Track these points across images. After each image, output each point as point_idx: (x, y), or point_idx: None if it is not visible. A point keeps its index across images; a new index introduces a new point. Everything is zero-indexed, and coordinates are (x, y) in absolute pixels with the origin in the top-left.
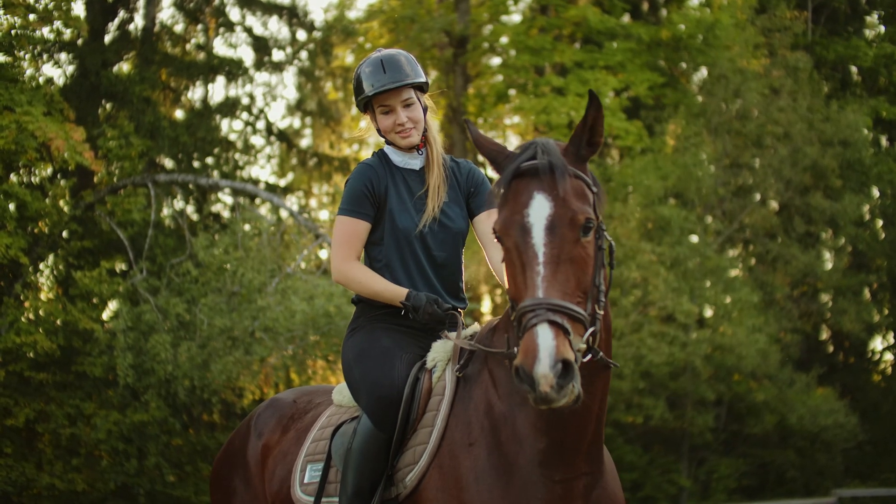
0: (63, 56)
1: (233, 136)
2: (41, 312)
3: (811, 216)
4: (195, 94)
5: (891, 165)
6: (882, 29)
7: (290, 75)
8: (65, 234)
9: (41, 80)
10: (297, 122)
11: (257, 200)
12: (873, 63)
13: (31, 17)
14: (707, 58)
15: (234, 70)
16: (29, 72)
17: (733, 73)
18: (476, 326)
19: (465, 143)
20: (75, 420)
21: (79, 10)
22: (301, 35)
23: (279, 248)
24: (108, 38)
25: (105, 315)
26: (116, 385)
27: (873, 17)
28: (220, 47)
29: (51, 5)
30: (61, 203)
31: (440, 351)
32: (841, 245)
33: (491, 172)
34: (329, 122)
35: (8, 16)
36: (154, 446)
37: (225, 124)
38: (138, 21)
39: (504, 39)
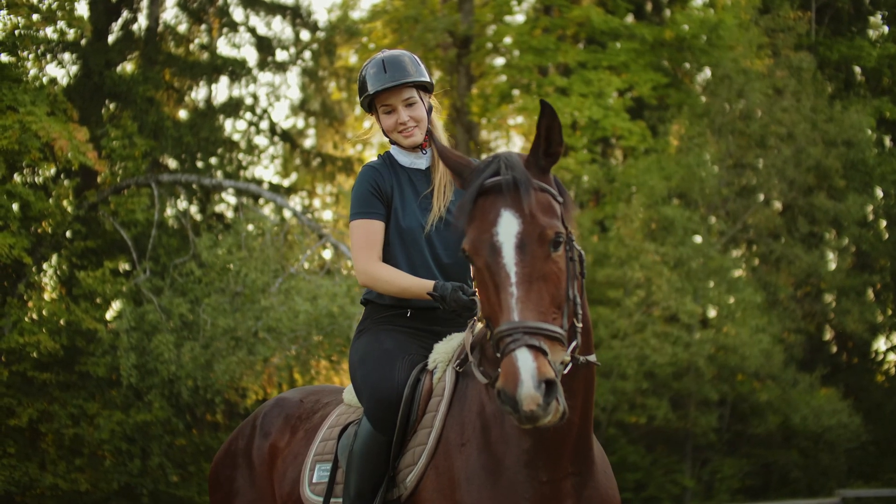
0: (66, 56)
1: (236, 137)
2: (44, 312)
3: (815, 216)
4: (199, 94)
5: (894, 166)
6: (886, 29)
7: (293, 75)
8: (68, 234)
9: (45, 80)
10: (300, 123)
11: (261, 200)
12: (877, 63)
13: (35, 17)
14: (710, 58)
15: (237, 70)
16: (32, 72)
17: (737, 74)
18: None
19: (469, 143)
20: (79, 420)
21: (82, 10)
22: (304, 35)
23: (282, 249)
24: (111, 38)
25: (108, 315)
26: (120, 385)
27: (877, 18)
28: (223, 47)
29: (54, 5)
30: (65, 203)
31: (441, 352)
32: (844, 245)
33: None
34: (332, 123)
35: (11, 16)
36: (157, 446)
37: (228, 124)
38: (142, 21)
39: (508, 40)
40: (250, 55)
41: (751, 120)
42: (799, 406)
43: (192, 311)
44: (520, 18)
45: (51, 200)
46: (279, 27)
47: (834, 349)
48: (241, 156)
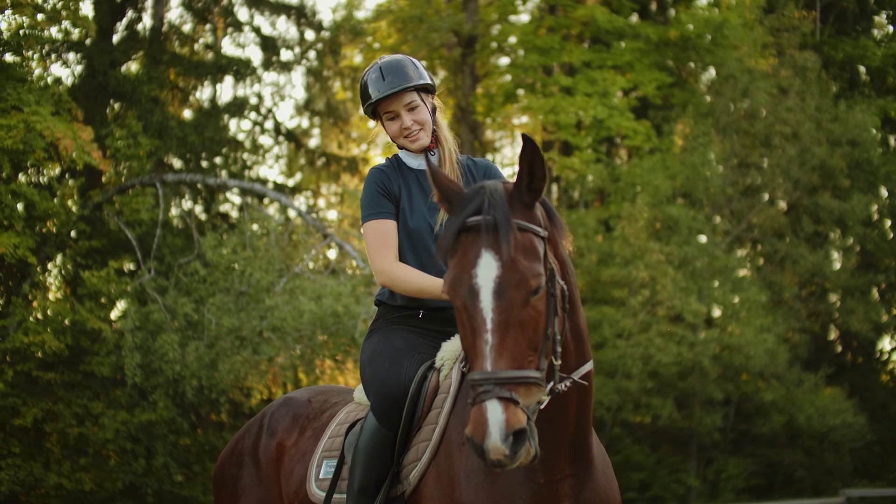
0: (71, 56)
1: (241, 136)
2: (49, 312)
3: (819, 216)
4: (203, 93)
5: None
6: (890, 29)
7: (298, 75)
8: (73, 233)
9: (49, 79)
10: (305, 122)
11: (265, 200)
12: (882, 63)
13: (40, 16)
14: (715, 57)
15: (242, 70)
16: (37, 71)
17: (741, 73)
18: None
19: (474, 142)
20: (83, 420)
21: (87, 9)
22: (309, 35)
23: (287, 248)
24: (116, 38)
25: (113, 315)
26: (124, 385)
27: (882, 17)
28: (228, 47)
29: (59, 5)
30: (69, 203)
31: (449, 350)
32: (849, 245)
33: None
34: (337, 122)
35: (16, 15)
36: (162, 446)
37: (233, 124)
38: (146, 21)
39: (512, 39)
40: (255, 55)
41: (755, 119)
42: (803, 406)
43: (197, 311)
44: (524, 18)
45: (55, 200)
46: (284, 27)
47: (839, 349)
48: (245, 155)
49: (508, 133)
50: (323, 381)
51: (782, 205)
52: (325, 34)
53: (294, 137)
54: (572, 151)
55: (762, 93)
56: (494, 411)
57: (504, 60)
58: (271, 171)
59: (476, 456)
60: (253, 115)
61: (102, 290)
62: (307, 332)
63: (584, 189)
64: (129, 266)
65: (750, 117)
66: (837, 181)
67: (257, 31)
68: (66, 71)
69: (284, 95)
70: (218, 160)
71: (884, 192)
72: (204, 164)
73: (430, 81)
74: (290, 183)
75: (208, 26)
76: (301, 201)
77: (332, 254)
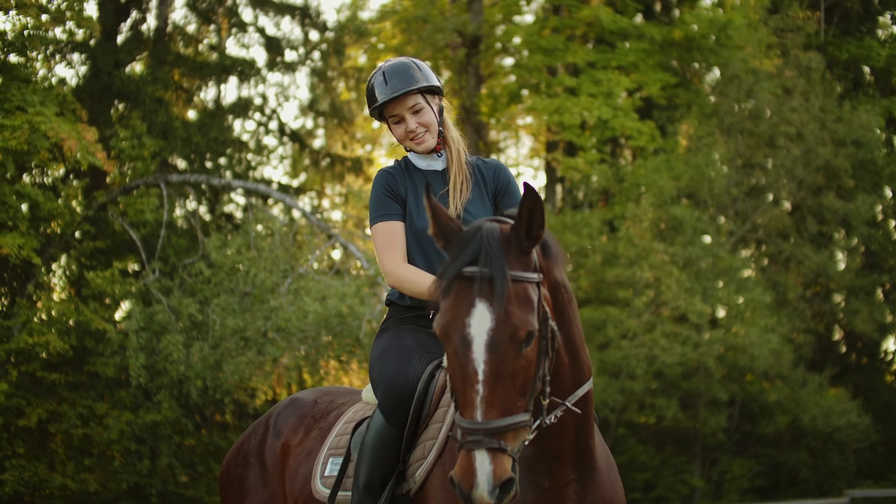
0: (75, 56)
1: (245, 137)
2: (54, 313)
3: (824, 216)
4: (208, 94)
5: None
6: (895, 29)
7: (302, 76)
8: (77, 234)
9: (54, 80)
10: (309, 123)
11: (270, 201)
12: (886, 63)
13: (44, 17)
14: (719, 58)
15: (246, 70)
16: (41, 72)
17: (746, 74)
18: None
19: (478, 143)
20: (88, 420)
21: (91, 10)
22: (314, 35)
23: (292, 249)
24: (120, 39)
25: (117, 315)
26: (129, 385)
27: (886, 18)
28: (232, 47)
29: (63, 6)
30: (74, 203)
31: None
32: (854, 245)
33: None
34: (342, 123)
35: (20, 16)
36: (166, 446)
37: (237, 125)
38: (151, 21)
39: (517, 40)
40: (259, 55)
41: (760, 120)
42: (808, 406)
43: (202, 312)
44: (529, 18)
45: (60, 201)
46: (288, 27)
47: (843, 349)
48: (250, 156)
49: (513, 133)
50: (327, 382)
51: (787, 205)
52: (330, 35)
53: (298, 138)
54: (577, 152)
55: (766, 93)
56: (483, 463)
57: (508, 61)
58: (276, 171)
59: (461, 500)
60: (257, 115)
61: (107, 291)
62: (312, 332)
63: (589, 189)
64: (133, 267)
65: (754, 118)
66: (842, 181)
67: (262, 31)
68: (70, 71)
69: (289, 96)
70: (222, 161)
71: (888, 193)
72: (208, 164)
73: (435, 83)
74: (295, 183)
75: (213, 27)
76: (305, 202)
77: (336, 254)
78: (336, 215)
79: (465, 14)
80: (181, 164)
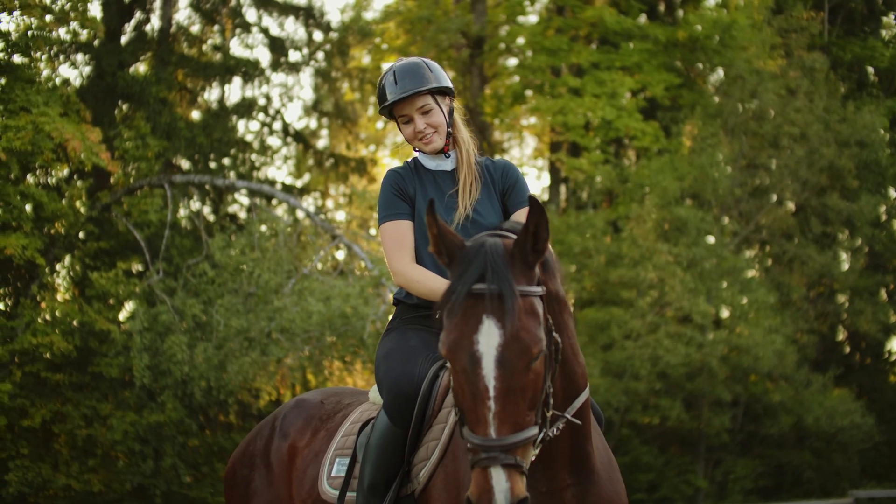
0: (79, 57)
1: (249, 137)
2: (57, 313)
3: (828, 217)
4: (212, 94)
5: None
6: None
7: (306, 76)
8: (81, 234)
9: (58, 81)
10: (313, 123)
11: (274, 201)
12: (890, 63)
13: (48, 17)
14: (723, 58)
15: (250, 71)
16: (45, 73)
17: (750, 74)
18: None
19: (482, 143)
20: (91, 421)
21: (95, 11)
22: (317, 36)
23: (296, 249)
24: (124, 39)
25: (121, 316)
26: (133, 386)
27: (890, 18)
28: (236, 48)
29: (67, 6)
30: (78, 204)
31: None
32: (857, 246)
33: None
34: (346, 123)
35: (24, 17)
36: (170, 447)
37: (241, 125)
38: (154, 22)
39: (521, 40)
40: (263, 56)
41: (764, 120)
42: (812, 406)
43: (206, 312)
44: (533, 19)
45: (64, 201)
46: (292, 28)
47: (847, 350)
48: (254, 156)
49: (517, 134)
50: (331, 383)
51: (790, 206)
52: (334, 35)
53: (302, 138)
54: (581, 152)
55: (770, 94)
56: (500, 480)
57: (512, 61)
58: (279, 172)
59: None
60: (261, 116)
61: (111, 292)
62: (316, 333)
63: (593, 190)
64: (137, 267)
65: (758, 118)
66: (846, 182)
67: (265, 32)
68: (74, 72)
69: (293, 96)
70: (226, 161)
71: (892, 193)
72: (212, 165)
73: (445, 84)
74: (299, 184)
75: (216, 27)
76: (309, 202)
77: (340, 255)
78: (340, 216)
79: (469, 14)
80: (185, 164)
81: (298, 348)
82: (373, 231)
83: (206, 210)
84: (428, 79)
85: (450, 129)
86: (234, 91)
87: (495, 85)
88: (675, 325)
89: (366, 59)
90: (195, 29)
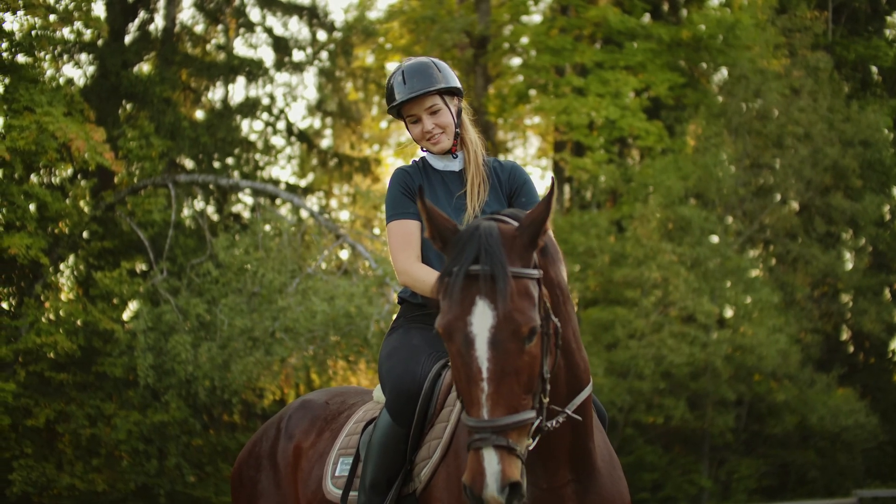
0: (83, 57)
1: (253, 137)
2: (61, 313)
3: (832, 216)
4: (215, 94)
5: None
6: None
7: (310, 76)
8: (85, 234)
9: (61, 80)
10: (317, 123)
11: (278, 201)
12: (894, 63)
13: (52, 17)
14: (727, 58)
15: (254, 70)
16: (49, 72)
17: (753, 74)
18: None
19: (486, 143)
20: (95, 420)
21: (99, 10)
22: (321, 35)
23: (300, 249)
24: (128, 39)
25: (125, 315)
26: (137, 385)
27: (894, 17)
28: (240, 48)
29: (71, 6)
30: (81, 203)
31: None
32: (861, 245)
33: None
34: (349, 123)
35: (28, 16)
36: (174, 447)
37: (245, 125)
38: (158, 22)
39: (524, 40)
40: (267, 55)
41: (767, 120)
42: (816, 406)
43: (209, 312)
44: (536, 18)
45: (67, 201)
46: (296, 27)
47: (851, 349)
48: (257, 156)
49: (521, 134)
50: (335, 382)
51: (794, 205)
52: (338, 35)
53: (306, 138)
54: (584, 152)
55: (774, 93)
56: (491, 462)
57: (516, 61)
58: (283, 171)
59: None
60: (265, 115)
61: (115, 291)
62: (320, 332)
63: (597, 190)
64: (141, 267)
65: (762, 118)
66: (850, 181)
67: (269, 31)
68: (78, 72)
69: (296, 96)
70: (230, 161)
71: None
72: (216, 164)
73: (454, 85)
74: (303, 183)
75: (220, 27)
76: (313, 202)
77: (344, 254)
78: (344, 215)
79: (473, 14)
80: (189, 164)
81: (302, 348)
82: (377, 230)
83: (210, 210)
84: (437, 79)
85: (458, 130)
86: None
87: (499, 84)
88: (678, 325)
89: (370, 59)
90: (199, 28)
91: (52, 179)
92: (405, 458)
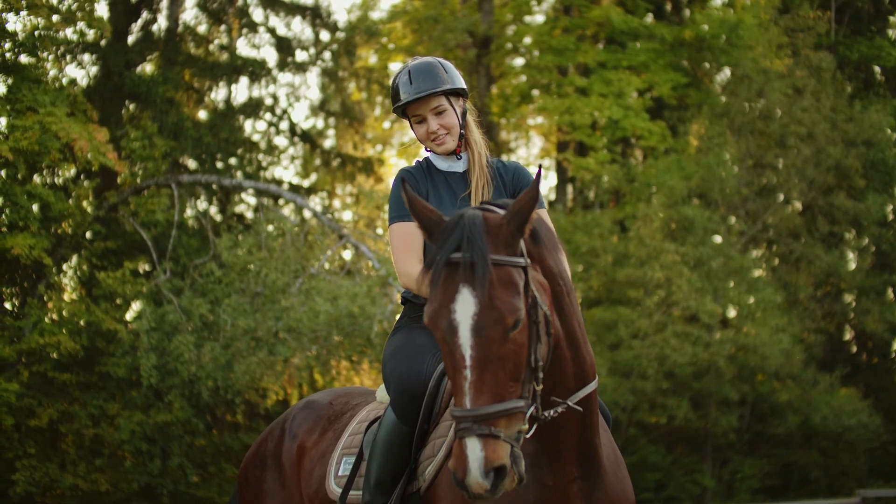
0: (86, 57)
1: (256, 137)
2: (65, 313)
3: (834, 216)
4: (218, 94)
5: None
6: None
7: (313, 76)
8: (88, 234)
9: (64, 80)
10: (320, 123)
11: (281, 201)
12: None
13: (55, 17)
14: (730, 58)
15: (257, 71)
16: (52, 73)
17: (756, 74)
18: None
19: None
20: (99, 420)
21: (102, 10)
22: (324, 36)
23: (303, 249)
24: (131, 39)
25: (128, 316)
26: (140, 386)
27: None
28: (243, 48)
29: (74, 6)
30: (85, 204)
31: None
32: (864, 245)
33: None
34: (352, 123)
35: (31, 17)
36: (177, 447)
37: (248, 125)
38: (161, 22)
39: (527, 40)
40: (270, 56)
41: (770, 120)
42: (819, 406)
43: (213, 312)
44: (539, 19)
45: (71, 201)
46: (299, 28)
47: (854, 349)
48: (260, 156)
49: (523, 134)
50: (339, 383)
51: (797, 205)
52: (340, 35)
53: (309, 138)
54: (587, 152)
55: (777, 93)
56: (473, 449)
57: (519, 61)
58: (286, 171)
59: (459, 489)
60: (268, 115)
61: (118, 291)
62: (323, 332)
63: (600, 190)
64: (144, 267)
65: (765, 117)
66: (853, 181)
67: (272, 31)
68: (81, 72)
69: (299, 96)
70: (233, 161)
71: None
72: (219, 164)
73: (460, 85)
74: (306, 184)
75: (223, 27)
76: (316, 202)
77: (347, 254)
78: (347, 215)
79: (476, 14)
80: (192, 164)
81: (305, 348)
82: (380, 231)
83: (213, 210)
84: (443, 79)
85: (462, 131)
86: (241, 91)
87: (502, 84)
88: (682, 325)
89: (373, 59)
90: (202, 29)
91: (56, 180)
92: (410, 457)
